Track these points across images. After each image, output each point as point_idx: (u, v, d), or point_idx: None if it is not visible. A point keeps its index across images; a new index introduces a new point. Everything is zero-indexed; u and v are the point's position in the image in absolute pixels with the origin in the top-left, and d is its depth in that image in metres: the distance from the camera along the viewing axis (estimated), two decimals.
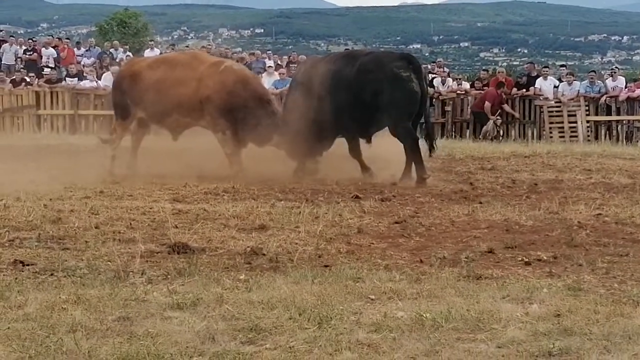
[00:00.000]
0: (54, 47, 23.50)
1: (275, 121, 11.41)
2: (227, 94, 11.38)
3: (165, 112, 11.59)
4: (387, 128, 11.18)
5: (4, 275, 5.60)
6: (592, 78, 19.75)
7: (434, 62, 22.44)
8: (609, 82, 19.51)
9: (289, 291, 5.04)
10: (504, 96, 19.49)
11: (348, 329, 4.34)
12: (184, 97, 11.42)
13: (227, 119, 11.39)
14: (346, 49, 25.98)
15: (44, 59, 22.73)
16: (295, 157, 11.51)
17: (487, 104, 19.10)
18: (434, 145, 11.09)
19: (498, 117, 19.06)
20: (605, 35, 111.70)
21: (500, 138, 19.00)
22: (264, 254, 6.26)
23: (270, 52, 24.08)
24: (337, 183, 10.58)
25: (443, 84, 20.09)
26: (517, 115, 19.41)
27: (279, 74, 19.59)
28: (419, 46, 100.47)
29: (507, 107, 19.43)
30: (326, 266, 5.90)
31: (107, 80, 20.51)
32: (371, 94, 10.74)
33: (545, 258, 6.25)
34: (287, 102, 11.86)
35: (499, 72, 21.51)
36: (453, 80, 20.73)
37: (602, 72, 24.41)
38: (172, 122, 11.70)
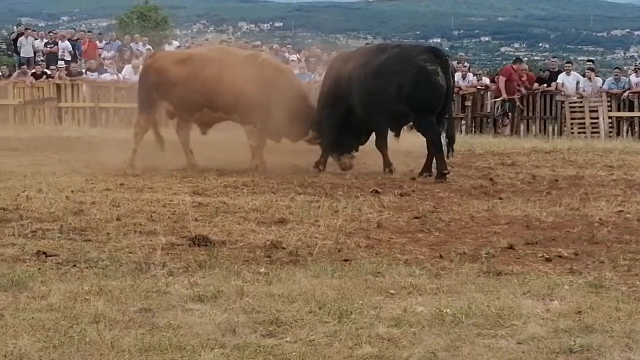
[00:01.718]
0: (74, 40, 23.64)
1: (311, 116, 11.39)
2: (265, 86, 11.33)
3: (196, 107, 11.53)
4: None
5: (27, 265, 5.67)
6: (616, 74, 19.60)
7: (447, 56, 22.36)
8: (633, 77, 19.33)
9: (309, 285, 5.05)
10: (521, 74, 19.36)
11: (368, 323, 4.35)
12: (218, 90, 11.35)
13: (261, 112, 11.32)
14: (367, 43, 25.93)
15: (59, 53, 22.86)
16: (330, 151, 11.51)
17: (502, 79, 18.96)
18: (453, 148, 10.97)
19: (507, 100, 18.88)
20: (629, 30, 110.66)
21: (506, 123, 18.91)
22: (283, 248, 6.28)
23: (289, 45, 24.09)
24: (357, 177, 10.60)
25: (463, 79, 20.05)
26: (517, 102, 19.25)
27: (299, 67, 19.59)
28: (439, 40, 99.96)
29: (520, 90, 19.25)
30: (346, 260, 5.91)
31: (127, 73, 20.68)
32: (397, 86, 10.72)
33: (566, 254, 6.21)
34: (321, 97, 11.83)
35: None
36: (473, 75, 20.69)
37: (626, 67, 24.19)
38: (202, 116, 11.64)
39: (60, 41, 23.31)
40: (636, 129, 18.79)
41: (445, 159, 10.81)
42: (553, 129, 19.39)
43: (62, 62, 21.80)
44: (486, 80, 20.79)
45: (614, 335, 4.21)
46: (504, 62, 22.88)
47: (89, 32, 26.94)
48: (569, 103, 19.22)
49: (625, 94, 18.82)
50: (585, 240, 6.77)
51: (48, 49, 23.07)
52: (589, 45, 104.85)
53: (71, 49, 23.06)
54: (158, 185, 9.82)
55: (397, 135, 11.54)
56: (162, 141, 12.00)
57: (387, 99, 10.80)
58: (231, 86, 11.31)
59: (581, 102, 19.16)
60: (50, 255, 5.96)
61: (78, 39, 23.91)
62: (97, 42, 24.14)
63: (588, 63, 22.10)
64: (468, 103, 19.78)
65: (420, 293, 4.97)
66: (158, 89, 11.71)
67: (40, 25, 58.97)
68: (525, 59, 29.64)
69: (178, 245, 6.40)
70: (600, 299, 4.88)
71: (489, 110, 19.65)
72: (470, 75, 20.45)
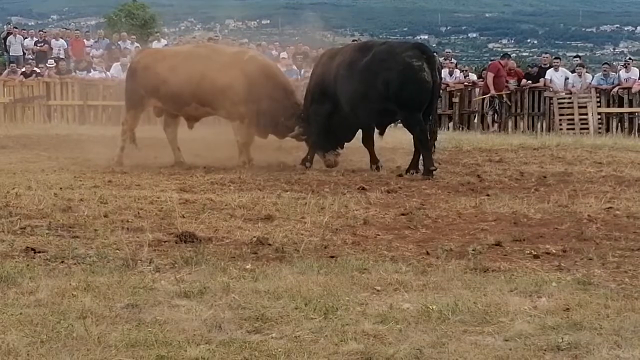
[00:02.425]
0: (64, 39, 23.63)
1: (298, 112, 11.41)
2: (251, 83, 11.34)
3: (184, 102, 11.56)
4: None
5: (16, 261, 5.67)
6: (605, 70, 19.60)
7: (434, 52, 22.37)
8: (622, 73, 19.30)
9: (295, 281, 5.05)
10: (509, 70, 19.41)
11: (354, 320, 4.35)
12: (206, 86, 11.38)
13: (248, 108, 11.36)
14: (353, 40, 25.93)
15: (54, 51, 22.88)
16: (316, 148, 11.51)
17: (489, 75, 18.98)
18: (434, 145, 10.95)
19: (496, 96, 18.90)
20: (618, 25, 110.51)
21: (496, 121, 18.95)
22: (270, 244, 6.28)
23: (277, 43, 24.12)
24: (343, 174, 10.60)
25: (450, 75, 20.05)
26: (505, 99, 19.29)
27: (285, 65, 19.58)
28: (426, 37, 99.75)
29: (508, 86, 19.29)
30: (332, 257, 5.91)
31: (116, 71, 20.69)
32: (384, 83, 10.72)
33: (554, 251, 6.20)
34: (308, 94, 11.83)
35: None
36: (460, 72, 20.71)
37: (615, 63, 24.19)
38: (190, 111, 11.69)
39: (54, 39, 23.34)
40: (626, 125, 18.78)
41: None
42: (541, 126, 19.39)
43: (52, 61, 21.80)
44: (473, 76, 20.81)
45: (602, 332, 4.19)
46: (492, 59, 22.91)
47: (76, 30, 26.90)
48: (558, 99, 19.22)
49: (615, 89, 18.82)
50: (574, 237, 6.75)
51: (38, 47, 23.06)
52: (578, 41, 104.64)
53: (66, 46, 23.10)
54: (145, 182, 9.83)
55: (382, 133, 11.54)
56: (135, 138, 12.02)
57: (374, 95, 10.80)
58: (218, 83, 11.33)
59: (570, 98, 19.16)
60: (39, 252, 5.98)
61: (68, 37, 23.91)
62: (84, 40, 24.12)
63: (575, 59, 22.13)
64: (455, 99, 19.81)
65: (407, 290, 4.97)
66: (146, 86, 11.72)
67: (30, 24, 58.82)
68: (514, 55, 29.67)
69: (165, 241, 6.40)
70: (588, 296, 4.86)
71: (476, 107, 19.68)
72: (457, 72, 20.47)
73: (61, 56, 22.51)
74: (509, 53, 21.25)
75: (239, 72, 11.36)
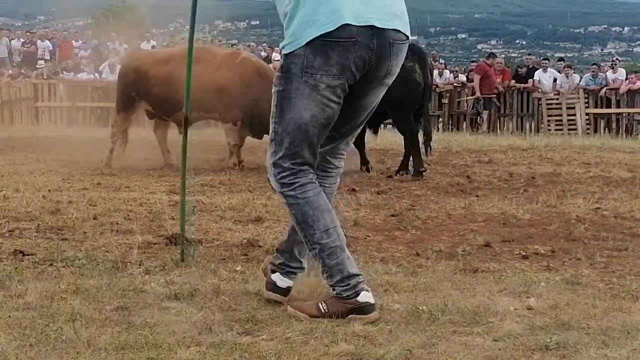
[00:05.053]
0: (49, 40, 23.55)
1: None
2: (245, 85, 11.31)
3: (176, 105, 11.47)
4: None
5: (4, 265, 5.61)
6: (594, 71, 19.72)
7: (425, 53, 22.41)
8: (609, 74, 19.46)
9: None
10: (496, 70, 19.47)
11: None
12: (199, 89, 11.32)
13: (240, 111, 11.32)
14: None
15: (39, 52, 22.80)
16: None
17: (476, 77, 19.01)
18: (431, 146, 10.99)
19: (480, 98, 18.91)
20: (606, 26, 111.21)
21: (478, 123, 18.99)
22: (260, 246, 6.27)
23: (265, 44, 24.15)
24: None
25: (440, 76, 20.10)
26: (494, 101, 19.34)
27: (275, 66, 19.59)
28: (415, 38, 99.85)
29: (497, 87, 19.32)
30: None
31: (104, 72, 20.65)
32: None
33: (542, 252, 6.21)
34: None
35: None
36: (450, 73, 20.77)
37: (602, 64, 24.38)
38: (181, 115, 11.58)
39: (40, 41, 23.25)
40: (613, 125, 18.90)
41: (424, 157, 10.85)
42: (530, 126, 19.49)
43: (42, 62, 21.74)
44: (463, 77, 20.87)
45: (590, 332, 4.19)
46: (481, 60, 22.99)
47: (64, 31, 26.88)
48: (546, 100, 19.31)
49: (603, 91, 18.92)
50: (562, 237, 6.77)
51: (25, 48, 22.97)
52: (566, 42, 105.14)
53: (51, 48, 23.02)
54: (135, 184, 9.81)
55: (375, 132, 11.58)
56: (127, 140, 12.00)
57: None
58: (211, 85, 11.29)
59: (558, 99, 19.27)
60: (27, 254, 5.92)
61: (52, 37, 23.84)
62: (72, 41, 24.07)
63: (559, 62, 22.27)
64: (445, 100, 19.86)
65: (397, 290, 4.96)
66: (136, 88, 11.69)
67: (17, 24, 58.66)
68: (502, 55, 29.78)
69: (154, 244, 6.37)
70: (576, 296, 4.86)
71: (465, 108, 19.75)
72: (447, 73, 20.54)
73: (46, 57, 22.45)
74: (494, 53, 21.34)
75: (232, 74, 11.34)
